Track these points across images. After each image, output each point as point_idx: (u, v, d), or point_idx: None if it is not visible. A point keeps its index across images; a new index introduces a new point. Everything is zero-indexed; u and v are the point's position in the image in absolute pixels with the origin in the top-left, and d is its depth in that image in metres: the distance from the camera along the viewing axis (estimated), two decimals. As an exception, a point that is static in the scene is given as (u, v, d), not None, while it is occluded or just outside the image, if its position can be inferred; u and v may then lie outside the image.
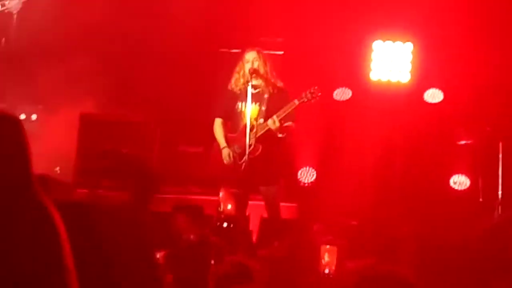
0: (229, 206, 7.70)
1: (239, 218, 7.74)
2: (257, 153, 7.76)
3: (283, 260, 7.54)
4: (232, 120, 8.01)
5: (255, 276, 3.41)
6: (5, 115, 1.49)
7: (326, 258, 7.75)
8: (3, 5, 9.87)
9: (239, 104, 7.92)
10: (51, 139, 9.68)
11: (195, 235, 5.62)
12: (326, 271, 7.18)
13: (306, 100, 7.69)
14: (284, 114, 7.69)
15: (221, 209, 7.76)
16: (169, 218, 6.93)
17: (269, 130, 7.71)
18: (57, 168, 9.52)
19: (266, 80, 7.83)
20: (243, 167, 7.66)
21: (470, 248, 6.32)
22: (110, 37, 10.00)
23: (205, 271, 3.08)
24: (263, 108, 7.83)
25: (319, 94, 7.66)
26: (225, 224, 7.51)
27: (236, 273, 3.33)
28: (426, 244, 6.83)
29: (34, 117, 10.22)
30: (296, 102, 7.73)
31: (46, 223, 1.10)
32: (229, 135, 8.01)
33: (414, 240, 6.97)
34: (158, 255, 5.66)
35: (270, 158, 7.85)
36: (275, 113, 7.76)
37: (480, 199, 8.53)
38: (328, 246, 7.81)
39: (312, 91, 7.68)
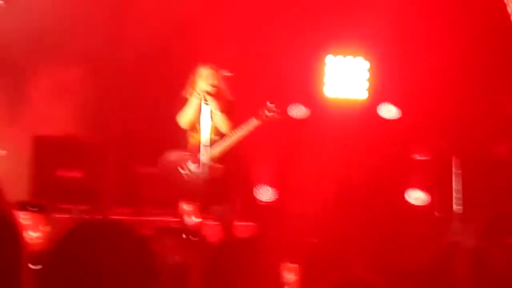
0: (195, 219, 7.55)
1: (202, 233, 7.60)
2: (217, 174, 7.63)
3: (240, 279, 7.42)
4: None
5: None
6: None
7: (286, 276, 7.63)
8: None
9: None
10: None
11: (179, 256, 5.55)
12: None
13: (265, 118, 7.58)
14: (244, 134, 7.59)
15: (188, 222, 7.61)
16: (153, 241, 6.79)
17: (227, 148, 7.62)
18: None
19: (219, 97, 7.75)
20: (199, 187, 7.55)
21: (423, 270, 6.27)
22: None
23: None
24: (214, 124, 7.75)
25: (279, 111, 7.57)
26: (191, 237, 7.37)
27: None
28: (383, 264, 6.78)
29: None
30: (255, 121, 7.60)
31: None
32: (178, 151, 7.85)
33: (369, 259, 6.93)
34: None
35: (227, 177, 7.76)
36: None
37: (436, 214, 8.52)
38: (289, 264, 7.70)
39: (271, 108, 7.57)
